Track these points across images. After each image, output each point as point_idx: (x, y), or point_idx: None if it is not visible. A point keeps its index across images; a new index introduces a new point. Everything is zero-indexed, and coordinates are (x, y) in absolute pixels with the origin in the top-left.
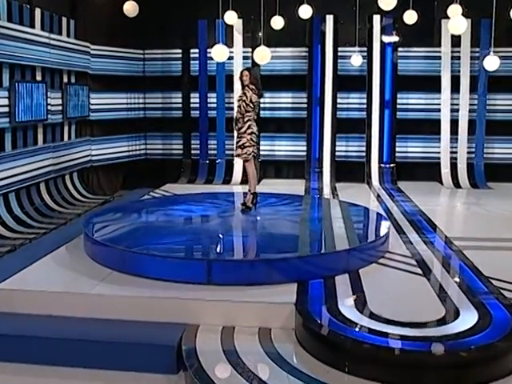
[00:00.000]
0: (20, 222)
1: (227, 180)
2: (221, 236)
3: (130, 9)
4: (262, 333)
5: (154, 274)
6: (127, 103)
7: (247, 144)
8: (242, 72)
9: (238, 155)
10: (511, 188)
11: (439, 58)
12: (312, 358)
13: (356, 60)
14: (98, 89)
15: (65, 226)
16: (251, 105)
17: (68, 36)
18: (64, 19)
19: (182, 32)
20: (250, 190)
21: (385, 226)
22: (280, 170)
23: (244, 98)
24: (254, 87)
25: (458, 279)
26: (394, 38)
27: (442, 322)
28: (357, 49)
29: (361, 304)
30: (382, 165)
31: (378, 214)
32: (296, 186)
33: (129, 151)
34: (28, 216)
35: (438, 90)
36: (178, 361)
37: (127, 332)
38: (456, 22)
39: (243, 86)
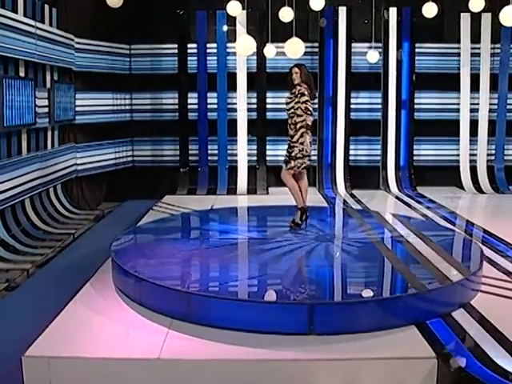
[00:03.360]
0: (7, 247)
1: (232, 189)
2: (302, 268)
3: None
4: None
5: (232, 324)
6: (113, 104)
7: (299, 155)
8: (291, 69)
9: (291, 168)
10: None
11: (453, 54)
12: None
13: (372, 56)
14: (82, 88)
15: (64, 251)
16: (303, 108)
17: (50, 26)
18: (46, 7)
19: (173, 25)
20: (297, 205)
21: (472, 243)
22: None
23: (301, 99)
24: (307, 87)
25: None
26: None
27: None
28: (369, 44)
29: None
30: (400, 169)
31: (447, 228)
32: (310, 195)
33: (115, 158)
34: (16, 240)
35: (454, 89)
36: None
37: None
38: (508, 13)
39: (293, 86)
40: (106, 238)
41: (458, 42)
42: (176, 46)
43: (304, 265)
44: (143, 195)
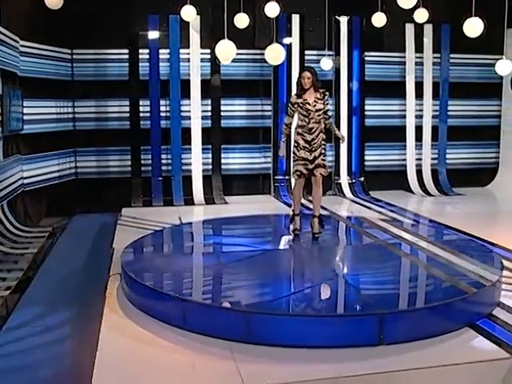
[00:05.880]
0: None
1: (188, 200)
2: (339, 277)
3: (54, 0)
4: None
5: (298, 341)
6: (56, 113)
7: (324, 158)
8: (301, 73)
9: (322, 172)
10: (479, 192)
11: (397, 63)
12: None
13: (326, 63)
14: (26, 95)
15: (37, 273)
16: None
17: None
18: None
19: (120, 29)
20: (314, 214)
21: (478, 243)
22: (231, 185)
23: (317, 104)
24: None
25: None
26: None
27: None
28: (319, 52)
29: None
30: (353, 174)
31: (445, 229)
32: (266, 203)
33: (58, 171)
34: None
35: (399, 96)
36: None
37: None
38: (472, 24)
39: (302, 91)
40: (77, 256)
41: (403, 51)
42: (124, 51)
43: (338, 274)
44: (89, 209)
